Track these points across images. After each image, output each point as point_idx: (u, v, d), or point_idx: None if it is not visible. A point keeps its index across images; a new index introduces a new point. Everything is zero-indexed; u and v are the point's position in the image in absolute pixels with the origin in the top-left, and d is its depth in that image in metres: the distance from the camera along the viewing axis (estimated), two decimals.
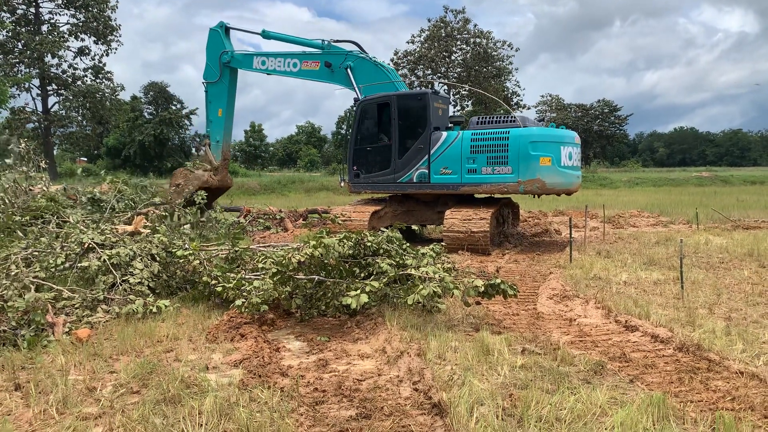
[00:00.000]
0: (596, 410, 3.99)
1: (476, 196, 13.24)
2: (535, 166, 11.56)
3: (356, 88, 13.71)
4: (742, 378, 4.57)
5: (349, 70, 13.82)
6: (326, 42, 14.41)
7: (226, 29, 15.95)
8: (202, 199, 13.12)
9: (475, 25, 62.10)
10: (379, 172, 13.11)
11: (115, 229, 8.82)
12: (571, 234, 10.93)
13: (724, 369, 4.78)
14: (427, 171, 12.49)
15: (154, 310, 6.63)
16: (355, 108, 13.43)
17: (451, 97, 60.80)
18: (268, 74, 15.42)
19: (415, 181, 12.67)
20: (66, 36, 51.53)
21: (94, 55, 53.57)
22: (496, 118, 12.40)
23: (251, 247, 8.89)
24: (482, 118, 12.66)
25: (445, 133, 12.41)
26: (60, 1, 51.20)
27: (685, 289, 7.65)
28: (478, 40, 61.41)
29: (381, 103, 13.11)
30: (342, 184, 14.58)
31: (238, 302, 6.28)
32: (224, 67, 15.73)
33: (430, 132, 12.45)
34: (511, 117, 12.29)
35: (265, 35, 15.59)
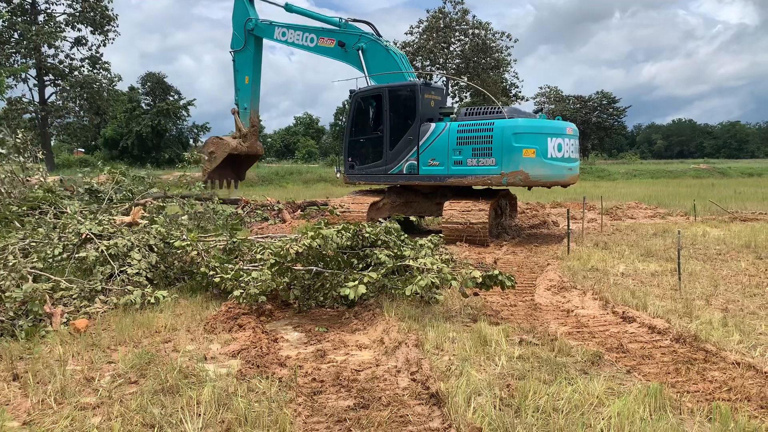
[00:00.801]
0: (593, 400, 4.00)
1: (474, 187, 13.23)
2: (517, 157, 11.47)
3: (365, 72, 13.78)
4: (738, 369, 4.59)
5: (360, 52, 13.88)
6: (343, 20, 14.51)
7: None
8: (200, 189, 13.09)
9: (474, 16, 62.04)
10: (372, 164, 13.24)
11: (113, 219, 8.80)
12: (569, 225, 10.95)
13: (720, 360, 4.80)
14: (416, 162, 12.56)
15: (152, 300, 6.63)
16: (350, 100, 13.54)
17: (450, 89, 60.68)
18: (287, 45, 15.77)
19: (405, 172, 12.75)
20: (63, 26, 51.26)
21: (91, 45, 53.36)
22: (484, 109, 12.38)
23: (249, 238, 8.88)
24: (470, 109, 12.67)
25: (433, 125, 12.44)
26: None
27: (683, 280, 7.66)
28: (476, 31, 61.29)
29: (374, 95, 13.22)
30: (338, 175, 14.68)
31: (236, 293, 6.29)
32: (249, 35, 16.10)
33: (419, 123, 12.50)
34: (498, 108, 12.21)
35: (288, 8, 15.88)
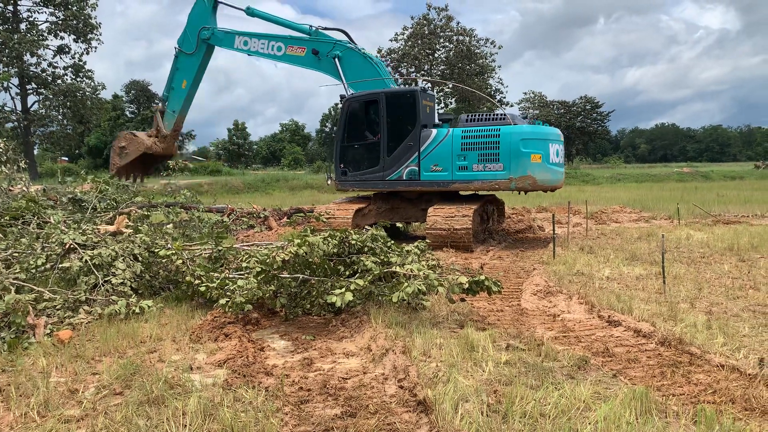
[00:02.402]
0: (580, 405, 4.02)
1: (461, 193, 13.29)
2: (526, 162, 11.73)
3: (343, 79, 13.63)
4: (723, 371, 4.63)
5: (336, 59, 13.74)
6: (314, 28, 14.28)
7: (215, 3, 15.60)
8: (185, 197, 13.03)
9: (458, 23, 62.37)
10: (367, 170, 13.03)
11: (97, 229, 8.73)
12: (554, 230, 11.00)
13: (705, 362, 4.84)
14: (417, 168, 12.50)
15: (137, 310, 6.57)
16: (341, 105, 13.28)
17: (435, 95, 60.83)
18: (248, 55, 15.18)
19: (404, 178, 12.65)
20: (45, 34, 50.84)
21: (74, 53, 52.94)
22: (486, 115, 12.52)
23: (235, 246, 8.84)
24: (472, 115, 12.76)
25: (434, 131, 12.45)
26: None
27: (667, 283, 7.72)
28: (461, 37, 61.57)
29: (369, 100, 13.04)
30: (329, 183, 14.51)
31: (222, 302, 6.25)
32: (202, 42, 15.43)
33: (420, 129, 12.49)
34: (501, 114, 12.43)
35: (250, 12, 15.24)
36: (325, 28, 14.34)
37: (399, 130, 12.71)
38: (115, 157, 15.72)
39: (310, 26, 14.39)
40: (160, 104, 16.36)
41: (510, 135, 11.80)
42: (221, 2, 15.65)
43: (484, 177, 12.01)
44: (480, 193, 13.49)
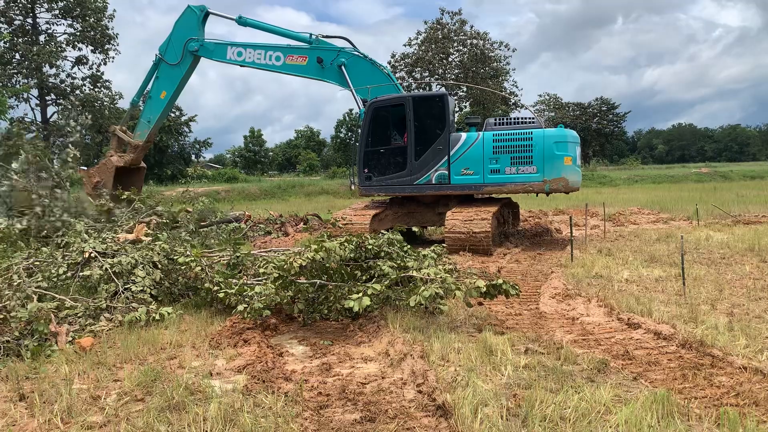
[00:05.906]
0: (600, 408, 3.99)
1: (476, 196, 13.27)
2: (559, 165, 11.98)
3: (351, 87, 13.57)
4: (745, 373, 4.57)
5: (343, 67, 13.67)
6: (314, 36, 14.10)
7: (206, 14, 14.90)
8: (204, 204, 13.12)
9: (472, 27, 62.34)
10: (393, 174, 12.94)
11: (117, 237, 8.83)
12: (571, 232, 10.93)
13: (727, 365, 4.78)
14: (447, 172, 12.53)
15: (157, 317, 6.63)
16: (365, 109, 13.10)
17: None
18: (241, 66, 14.66)
19: (434, 182, 12.65)
20: (63, 46, 51.59)
21: (92, 64, 53.65)
22: (515, 119, 12.69)
23: (252, 252, 8.91)
24: (499, 119, 12.88)
25: (464, 135, 12.49)
26: (57, 11, 51.30)
27: (687, 285, 7.64)
28: (474, 41, 61.55)
29: (395, 104, 13.00)
30: (353, 188, 14.43)
31: (241, 308, 6.29)
32: (188, 54, 14.85)
33: (449, 133, 12.51)
34: (530, 118, 12.66)
35: (242, 22, 14.69)
36: (326, 36, 14.19)
37: (427, 134, 12.69)
38: (103, 193, 13.87)
39: (311, 34, 14.13)
40: (116, 127, 15.52)
41: (543, 138, 12.02)
42: (212, 13, 15.01)
43: (517, 180, 12.18)
44: (496, 195, 13.46)
